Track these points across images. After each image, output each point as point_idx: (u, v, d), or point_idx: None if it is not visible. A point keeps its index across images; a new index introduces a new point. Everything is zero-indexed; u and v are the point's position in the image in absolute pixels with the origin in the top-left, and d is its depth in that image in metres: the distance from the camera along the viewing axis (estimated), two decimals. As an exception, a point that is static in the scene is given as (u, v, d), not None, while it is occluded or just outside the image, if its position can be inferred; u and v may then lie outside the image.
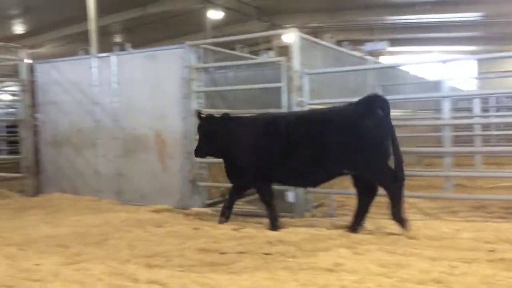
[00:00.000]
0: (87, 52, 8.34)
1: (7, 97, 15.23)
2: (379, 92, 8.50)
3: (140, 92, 7.32)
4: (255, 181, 5.62)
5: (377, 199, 5.12)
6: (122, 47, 7.65)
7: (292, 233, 5.08)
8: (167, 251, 4.50)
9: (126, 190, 7.54)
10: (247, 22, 21.92)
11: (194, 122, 6.68)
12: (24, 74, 8.39)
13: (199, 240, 4.89)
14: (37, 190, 8.36)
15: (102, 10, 16.01)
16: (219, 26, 21.53)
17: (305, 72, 6.05)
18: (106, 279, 3.71)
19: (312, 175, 5.32)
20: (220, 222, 5.67)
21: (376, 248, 4.41)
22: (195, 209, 6.67)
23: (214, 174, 7.24)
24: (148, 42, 22.21)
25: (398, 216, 4.93)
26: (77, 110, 7.98)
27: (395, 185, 4.96)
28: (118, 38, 23.89)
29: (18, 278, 3.78)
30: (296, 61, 6.02)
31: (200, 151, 5.88)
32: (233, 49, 8.02)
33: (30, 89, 8.40)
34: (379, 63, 10.91)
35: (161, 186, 7.17)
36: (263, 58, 8.46)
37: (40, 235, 5.40)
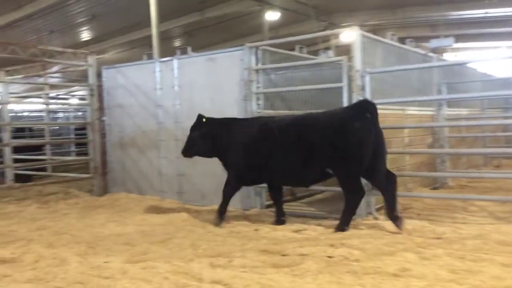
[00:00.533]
0: (150, 57, 8.59)
1: (75, 101, 16.02)
2: (444, 90, 8.21)
3: (200, 94, 7.45)
4: (232, 179, 5.91)
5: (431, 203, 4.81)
6: (183, 51, 7.81)
7: (355, 236, 4.96)
8: (229, 251, 4.53)
9: (187, 190, 7.70)
10: (304, 22, 21.78)
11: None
12: (92, 79, 8.78)
13: (260, 241, 4.89)
14: (104, 190, 8.72)
15: (163, 15, 16.50)
16: (276, 27, 21.57)
17: (367, 71, 5.90)
18: (171, 277, 3.78)
19: (303, 175, 5.52)
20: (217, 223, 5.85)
21: (444, 253, 4.22)
22: (255, 210, 6.69)
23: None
24: (206, 45, 22.62)
25: (341, 226, 5.22)
26: (141, 112, 8.25)
27: (355, 197, 5.25)
28: (178, 42, 24.51)
29: (88, 275, 3.93)
30: (357, 60, 5.89)
31: (188, 151, 6.15)
32: (290, 49, 7.97)
33: (98, 93, 8.78)
34: (444, 60, 10.47)
35: (221, 186, 7.23)
36: (324, 58, 8.33)
37: (107, 233, 5.62)
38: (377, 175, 5.29)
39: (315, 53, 11.70)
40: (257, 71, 6.84)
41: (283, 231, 5.35)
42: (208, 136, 5.98)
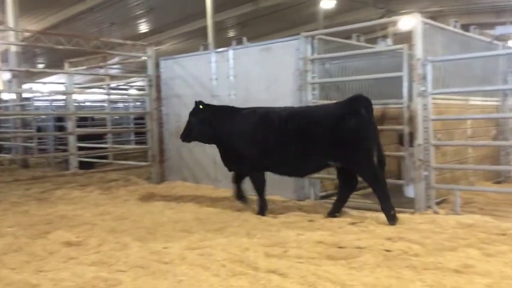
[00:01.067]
0: (206, 48, 8.69)
1: (134, 91, 16.54)
2: (510, 79, 7.78)
3: (255, 84, 7.47)
4: (250, 170, 6.01)
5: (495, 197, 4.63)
6: (238, 41, 7.84)
7: (414, 230, 4.83)
8: (284, 241, 4.53)
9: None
10: (360, 9, 21.32)
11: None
12: (151, 70, 9.01)
13: (315, 232, 4.86)
14: (162, 178, 8.97)
15: (218, 6, 16.70)
16: (331, 15, 21.25)
17: (428, 60, 5.68)
18: (228, 265, 3.84)
19: (301, 165, 5.77)
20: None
21: (509, 249, 4.04)
22: (309, 201, 6.66)
23: (328, 166, 7.15)
24: (260, 35, 22.63)
25: (388, 210, 5.24)
26: (197, 102, 8.38)
27: (376, 180, 5.34)
28: (232, 33, 24.69)
29: (149, 260, 4.07)
30: (418, 48, 5.67)
31: (187, 136, 6.33)
32: (345, 38, 7.80)
33: (156, 83, 9.01)
34: (510, 48, 9.90)
35: (275, 177, 7.24)
36: (383, 46, 8.08)
37: (165, 220, 5.77)
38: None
39: (371, 41, 11.42)
40: (312, 60, 6.75)
41: (339, 223, 5.29)
42: (207, 123, 6.10)
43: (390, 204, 5.25)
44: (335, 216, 5.59)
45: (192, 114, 6.27)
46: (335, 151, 5.46)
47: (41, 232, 5.13)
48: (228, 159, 6.21)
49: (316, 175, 6.73)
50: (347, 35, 7.79)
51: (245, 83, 7.63)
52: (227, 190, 7.69)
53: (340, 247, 4.35)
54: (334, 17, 21.69)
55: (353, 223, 5.30)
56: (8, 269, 3.92)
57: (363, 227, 5.12)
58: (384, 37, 14.52)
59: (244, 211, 6.06)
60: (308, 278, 3.54)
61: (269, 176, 7.23)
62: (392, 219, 5.18)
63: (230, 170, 6.36)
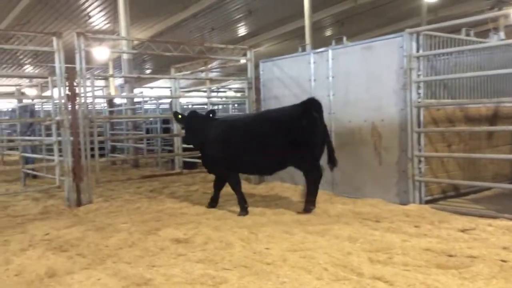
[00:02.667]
0: (304, 48, 8.69)
1: (231, 93, 17.02)
2: None
3: (355, 84, 7.31)
4: (225, 171, 6.62)
5: None
6: (338, 41, 7.72)
7: (535, 240, 4.41)
8: (389, 247, 4.38)
9: (340, 182, 7.65)
10: (466, 1, 19.96)
11: (414, 113, 6.41)
12: (251, 72, 9.21)
13: (422, 239, 4.64)
14: (261, 179, 9.11)
15: (315, 6, 16.60)
16: (434, 9, 20.15)
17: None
18: (330, 269, 3.79)
19: (264, 165, 6.46)
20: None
21: None
22: (414, 205, 6.35)
23: (434, 168, 6.79)
24: (359, 33, 22.16)
25: (309, 202, 6.17)
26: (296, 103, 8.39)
27: (313, 174, 6.21)
28: (329, 32, 24.43)
29: (252, 260, 4.15)
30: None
31: (186, 140, 7.10)
32: (450, 32, 7.32)
33: (255, 86, 9.18)
34: None
35: (376, 179, 7.05)
36: (495, 40, 7.49)
37: (266, 220, 5.86)
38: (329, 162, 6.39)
39: (480, 35, 10.63)
40: (418, 58, 6.44)
41: (447, 230, 4.99)
42: (188, 130, 6.78)
43: (314, 199, 6.21)
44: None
45: (176, 122, 7.51)
46: (291, 149, 6.12)
47: (152, 228, 5.48)
48: (206, 162, 6.85)
49: (421, 178, 6.44)
50: (453, 29, 7.32)
51: (344, 83, 7.50)
52: (326, 192, 7.63)
53: (450, 256, 4.11)
54: (438, 10, 20.54)
55: (463, 230, 4.97)
56: (124, 263, 4.23)
57: (474, 235, 4.78)
58: (495, 29, 13.46)
59: (344, 215, 5.96)
60: (416, 287, 3.38)
61: (369, 178, 7.08)
62: (307, 212, 6.10)
63: (209, 172, 7.12)
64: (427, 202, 6.49)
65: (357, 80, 7.26)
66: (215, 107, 16.42)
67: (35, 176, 10.49)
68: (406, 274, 3.64)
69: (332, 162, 6.40)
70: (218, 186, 6.87)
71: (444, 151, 6.85)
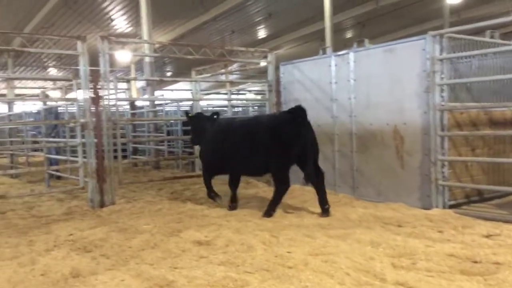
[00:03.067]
0: (325, 51, 8.65)
1: (251, 96, 17.06)
2: None
3: (377, 87, 7.25)
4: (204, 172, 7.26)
5: None
6: (359, 43, 7.68)
7: None
8: (412, 253, 4.33)
9: (361, 185, 7.60)
10: (490, 2, 19.62)
11: (437, 117, 6.34)
12: (271, 75, 9.22)
13: (446, 244, 4.57)
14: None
15: (336, 7, 16.52)
16: (457, 10, 19.85)
17: None
18: (353, 274, 3.77)
19: (251, 167, 6.69)
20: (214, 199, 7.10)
21: None
22: (437, 210, 6.27)
23: (458, 173, 6.69)
24: (380, 35, 21.99)
25: (268, 211, 6.26)
26: (316, 107, 8.36)
27: (281, 187, 6.33)
28: (350, 34, 24.29)
29: (273, 263, 4.14)
30: None
31: (190, 139, 7.78)
32: (473, 34, 7.20)
33: (276, 88, 9.19)
34: None
35: (398, 183, 6.99)
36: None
37: (287, 223, 5.86)
38: (306, 170, 6.28)
39: (505, 37, 10.44)
40: (441, 60, 6.36)
41: (471, 235, 4.91)
42: (193, 131, 7.38)
43: (275, 207, 6.31)
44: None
45: (184, 123, 7.59)
46: (272, 154, 6.26)
47: (174, 230, 5.53)
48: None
49: (445, 182, 6.35)
50: (477, 31, 7.20)
51: (366, 86, 7.45)
52: (346, 195, 7.60)
53: (475, 262, 4.04)
54: (461, 12, 20.24)
55: (487, 236, 4.89)
56: (147, 264, 4.28)
57: (499, 241, 4.69)
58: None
59: (365, 220, 5.92)
60: (440, 294, 3.34)
61: (391, 182, 7.01)
62: (267, 216, 6.17)
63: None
64: (450, 206, 6.40)
65: (379, 83, 7.21)
66: (236, 110, 16.50)
67: (59, 177, 10.68)
68: (429, 280, 3.60)
69: (308, 175, 6.35)
70: (234, 185, 7.09)
71: (468, 155, 6.75)
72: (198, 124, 7.26)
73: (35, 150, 12.73)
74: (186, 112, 7.90)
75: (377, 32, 23.04)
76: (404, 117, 6.84)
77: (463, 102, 6.70)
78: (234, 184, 7.10)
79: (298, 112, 6.23)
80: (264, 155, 6.34)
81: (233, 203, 6.96)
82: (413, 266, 3.97)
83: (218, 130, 7.04)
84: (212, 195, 7.10)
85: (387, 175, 7.14)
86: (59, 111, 11.92)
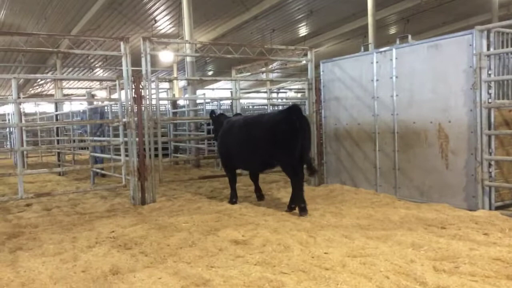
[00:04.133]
0: (367, 48, 8.47)
1: (291, 94, 16.95)
2: None
3: (420, 84, 7.04)
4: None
5: None
6: (402, 39, 7.46)
7: None
8: (455, 256, 4.17)
9: (403, 185, 7.40)
10: (544, -6, 18.69)
11: (484, 114, 6.08)
12: (311, 73, 9.12)
13: (491, 247, 4.37)
14: (320, 180, 9.02)
15: (379, 3, 16.16)
16: (507, 4, 19.01)
17: None
18: (392, 277, 3.66)
19: (253, 163, 7.12)
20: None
21: None
22: (483, 211, 6.01)
23: (506, 173, 6.40)
24: (424, 30, 21.37)
25: (298, 203, 6.38)
26: (356, 105, 8.24)
27: (296, 178, 6.44)
28: (393, 30, 23.75)
29: (310, 264, 4.09)
30: None
31: (214, 138, 8.29)
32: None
33: (316, 86, 9.09)
34: None
35: (442, 183, 6.76)
36: None
37: (325, 223, 5.77)
38: (305, 164, 6.50)
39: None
40: (488, 56, 6.09)
41: (519, 239, 4.68)
42: (215, 129, 8.06)
43: (302, 198, 6.35)
44: (292, 209, 6.55)
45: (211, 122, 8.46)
46: (273, 151, 6.54)
47: (212, 229, 5.56)
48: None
49: (491, 183, 6.09)
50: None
51: (408, 83, 7.24)
52: (388, 195, 7.43)
53: (523, 267, 3.84)
54: (511, 6, 19.36)
55: (537, 240, 4.64)
56: (184, 262, 4.32)
57: (552, 246, 4.44)
58: None
59: (407, 221, 5.75)
60: (484, 300, 3.19)
61: (434, 181, 6.79)
62: (302, 211, 6.25)
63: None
64: (497, 208, 6.15)
65: (423, 80, 7.00)
66: (276, 108, 16.47)
67: (103, 175, 10.99)
68: (473, 285, 3.45)
69: (309, 169, 6.46)
70: (254, 178, 7.63)
71: (517, 154, 6.45)
72: (218, 123, 7.91)
73: (82, 148, 13.14)
74: (211, 112, 8.41)
75: (421, 28, 22.39)
76: (449, 115, 6.61)
77: (512, 99, 6.40)
78: (256, 176, 7.63)
79: (295, 111, 6.45)
80: (261, 152, 6.70)
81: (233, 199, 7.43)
82: (456, 270, 3.81)
83: (226, 128, 7.50)
84: (233, 196, 7.49)
85: (431, 175, 6.92)
86: (105, 110, 12.25)
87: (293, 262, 4.16)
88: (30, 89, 32.65)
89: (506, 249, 4.30)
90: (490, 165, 6.17)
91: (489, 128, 6.12)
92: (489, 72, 6.12)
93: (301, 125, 6.37)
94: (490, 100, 6.11)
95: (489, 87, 6.12)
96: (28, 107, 25.43)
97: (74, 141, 12.26)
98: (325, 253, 4.39)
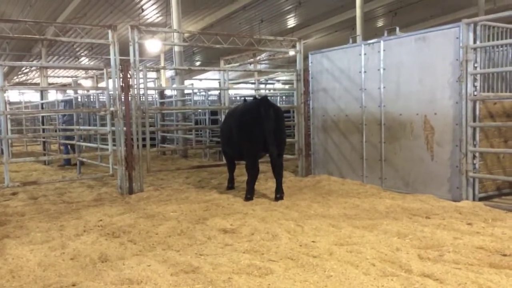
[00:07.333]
0: (355, 40, 8.51)
1: (279, 85, 16.95)
2: None
3: (407, 76, 7.11)
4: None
5: None
6: (390, 31, 7.52)
7: None
8: (439, 244, 4.26)
9: (389, 176, 7.50)
10: (529, -11, 18.90)
11: (469, 107, 6.18)
12: (299, 64, 9.14)
13: (475, 237, 4.47)
14: (307, 171, 9.08)
15: (367, -4, 16.20)
16: (493, -2, 19.21)
17: None
18: (378, 265, 3.73)
19: (237, 152, 7.27)
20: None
21: None
22: (467, 202, 6.13)
23: (489, 164, 6.53)
24: (412, 23, 21.49)
25: (246, 194, 6.81)
26: (344, 96, 8.30)
27: (250, 171, 6.85)
28: (381, 22, 23.84)
29: (298, 252, 4.14)
30: None
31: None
32: (510, 22, 6.93)
33: (304, 78, 9.12)
34: None
35: (427, 175, 6.86)
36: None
37: (312, 213, 5.84)
38: (269, 153, 6.82)
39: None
40: (474, 49, 6.18)
41: (502, 228, 4.79)
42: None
43: (251, 191, 6.80)
44: (278, 198, 6.74)
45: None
46: (239, 141, 6.89)
47: (200, 218, 5.59)
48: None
49: (476, 174, 6.20)
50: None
51: (396, 75, 7.31)
52: (374, 186, 7.53)
53: (504, 255, 3.95)
54: (497, 0, 19.56)
55: (520, 230, 4.75)
56: (173, 250, 4.34)
57: (531, 235, 4.56)
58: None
59: (392, 211, 5.85)
60: (467, 286, 3.28)
61: (420, 173, 6.90)
62: (246, 199, 6.67)
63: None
64: (480, 199, 6.27)
65: (410, 72, 7.07)
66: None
67: (82, 163, 10.90)
68: (457, 272, 3.53)
69: (271, 162, 6.94)
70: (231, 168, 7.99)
71: (501, 146, 6.57)
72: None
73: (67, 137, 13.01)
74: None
75: (409, 21, 22.52)
76: (435, 107, 6.70)
77: (497, 92, 6.51)
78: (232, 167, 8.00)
79: (264, 103, 6.67)
80: (235, 141, 7.04)
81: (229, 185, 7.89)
82: (440, 258, 3.90)
83: (225, 117, 7.99)
84: (230, 182, 7.97)
85: (416, 166, 7.02)
86: (78, 101, 12.08)
87: (281, 250, 4.21)
88: (15, 77, 32.16)
89: (489, 238, 4.40)
90: (474, 156, 6.29)
91: (474, 121, 6.22)
92: (475, 65, 6.21)
93: (267, 118, 6.58)
94: (475, 93, 6.20)
95: (475, 80, 6.21)
96: (13, 95, 25.07)
97: (59, 130, 12.13)
98: (312, 241, 4.45)
